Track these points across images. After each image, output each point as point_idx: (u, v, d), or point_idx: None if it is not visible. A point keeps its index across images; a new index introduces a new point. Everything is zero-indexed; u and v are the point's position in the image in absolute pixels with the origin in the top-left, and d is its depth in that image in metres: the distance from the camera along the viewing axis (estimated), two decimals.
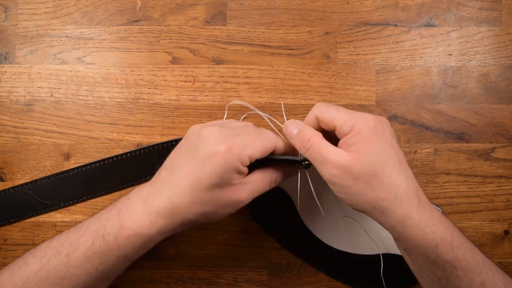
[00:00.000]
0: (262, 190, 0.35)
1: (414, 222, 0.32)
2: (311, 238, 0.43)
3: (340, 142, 0.33)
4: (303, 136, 0.34)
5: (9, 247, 0.44)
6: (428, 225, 0.32)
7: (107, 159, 0.44)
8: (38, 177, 0.44)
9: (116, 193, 0.44)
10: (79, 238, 0.35)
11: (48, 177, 0.44)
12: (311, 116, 0.36)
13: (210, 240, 0.44)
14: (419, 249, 0.32)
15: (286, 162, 0.36)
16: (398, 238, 0.33)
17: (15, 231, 0.44)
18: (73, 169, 0.44)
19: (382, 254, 0.41)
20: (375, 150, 0.32)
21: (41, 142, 0.45)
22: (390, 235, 0.34)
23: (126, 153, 0.44)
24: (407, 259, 0.35)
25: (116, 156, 0.44)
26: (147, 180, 0.41)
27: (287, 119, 0.37)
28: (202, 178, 0.33)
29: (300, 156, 0.36)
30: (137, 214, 0.35)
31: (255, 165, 0.35)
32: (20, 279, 0.34)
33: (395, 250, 0.41)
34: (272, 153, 0.35)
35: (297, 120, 0.36)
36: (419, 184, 0.44)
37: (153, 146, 0.44)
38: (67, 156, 0.45)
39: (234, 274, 0.44)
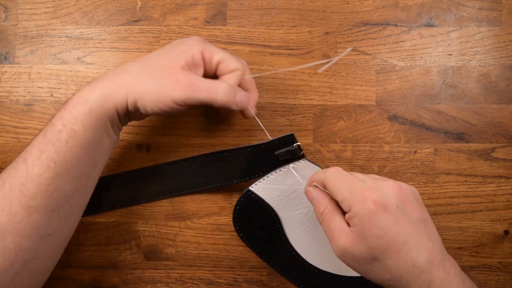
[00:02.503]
0: (204, 90, 0.35)
1: None
2: (297, 258, 0.42)
3: (347, 216, 0.33)
4: (318, 208, 0.35)
5: None
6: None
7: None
8: None
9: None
10: (33, 141, 0.34)
11: None
12: (319, 180, 0.35)
13: (210, 240, 0.44)
14: None
15: (279, 147, 0.38)
16: None
17: None
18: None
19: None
20: (375, 234, 0.31)
21: None
22: None
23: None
24: None
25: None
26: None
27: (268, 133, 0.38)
28: (163, 55, 0.36)
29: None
30: (82, 87, 0.35)
31: None
32: None
33: None
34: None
35: (315, 189, 0.36)
36: (419, 184, 0.44)
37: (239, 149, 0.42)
38: None
39: (234, 274, 0.44)
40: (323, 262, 0.42)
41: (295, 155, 0.40)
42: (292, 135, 0.39)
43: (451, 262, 0.33)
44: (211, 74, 0.38)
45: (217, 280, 0.44)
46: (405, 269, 0.31)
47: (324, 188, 0.35)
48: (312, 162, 0.41)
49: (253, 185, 0.41)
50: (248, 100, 0.38)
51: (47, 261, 0.36)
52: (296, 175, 0.39)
